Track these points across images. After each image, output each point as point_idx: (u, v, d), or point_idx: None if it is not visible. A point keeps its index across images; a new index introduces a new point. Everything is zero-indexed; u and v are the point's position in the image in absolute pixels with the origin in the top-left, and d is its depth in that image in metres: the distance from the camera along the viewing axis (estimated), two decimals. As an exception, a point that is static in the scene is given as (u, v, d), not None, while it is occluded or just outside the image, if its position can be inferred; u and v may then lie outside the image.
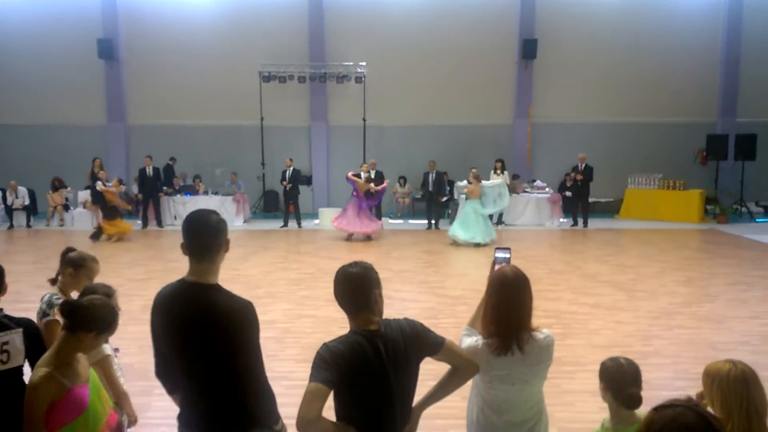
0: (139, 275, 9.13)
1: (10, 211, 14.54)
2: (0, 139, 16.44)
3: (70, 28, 16.18)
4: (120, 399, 2.97)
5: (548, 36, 16.40)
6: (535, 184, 15.79)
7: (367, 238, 12.68)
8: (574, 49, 16.60)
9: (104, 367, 2.91)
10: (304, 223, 14.72)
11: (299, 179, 15.02)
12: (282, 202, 15.60)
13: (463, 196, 12.64)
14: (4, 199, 14.75)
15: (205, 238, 2.28)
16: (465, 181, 12.57)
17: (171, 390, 2.44)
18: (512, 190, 14.92)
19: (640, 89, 16.65)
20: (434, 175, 14.33)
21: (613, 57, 16.57)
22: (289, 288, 8.44)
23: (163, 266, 10.10)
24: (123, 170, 16.59)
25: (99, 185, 12.91)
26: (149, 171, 14.33)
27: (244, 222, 15.20)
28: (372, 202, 12.99)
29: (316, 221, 15.04)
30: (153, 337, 2.37)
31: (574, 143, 16.21)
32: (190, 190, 15.32)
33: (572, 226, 14.50)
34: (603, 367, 2.43)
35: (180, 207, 14.93)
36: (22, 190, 14.54)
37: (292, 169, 14.59)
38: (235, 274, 9.42)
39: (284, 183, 14.53)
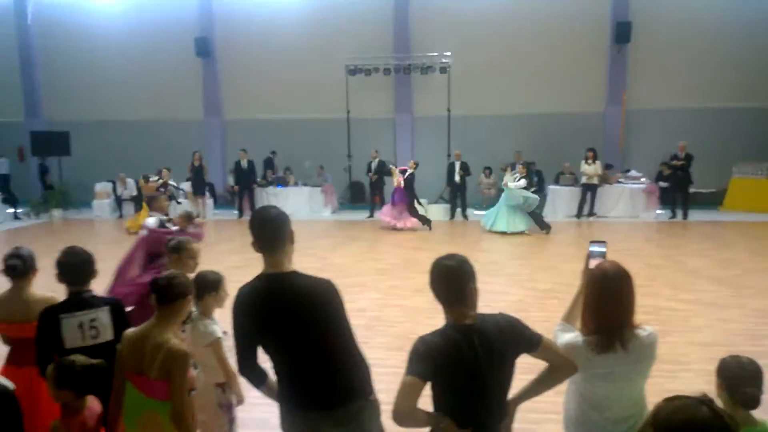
0: (237, 262, 9.61)
1: (119, 201, 15.73)
2: (109, 135, 17.74)
3: (170, 29, 17.16)
4: (229, 379, 3.19)
5: (644, 18, 15.56)
6: (629, 173, 15.11)
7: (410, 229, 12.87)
8: (671, 31, 15.65)
9: (216, 348, 3.14)
10: (390, 214, 14.88)
11: (384, 170, 15.19)
12: (368, 193, 15.86)
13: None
14: (114, 190, 15.96)
15: (271, 231, 2.43)
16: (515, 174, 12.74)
17: (258, 382, 2.54)
18: (605, 180, 14.38)
19: (743, 72, 15.46)
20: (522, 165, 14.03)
21: (714, 39, 15.47)
22: (377, 277, 8.61)
23: (258, 255, 10.57)
24: (219, 163, 17.47)
25: (140, 181, 13.29)
26: (244, 164, 15.01)
27: (332, 213, 15.59)
28: (402, 198, 13.14)
29: (402, 212, 15.16)
30: (239, 334, 2.44)
31: (671, 131, 15.33)
32: (281, 182, 15.89)
33: (671, 218, 13.77)
34: (722, 363, 2.36)
35: (272, 198, 15.53)
36: (130, 182, 15.67)
37: (377, 160, 14.79)
38: (324, 263, 9.72)
39: (370, 174, 14.76)
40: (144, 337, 2.60)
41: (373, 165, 14.74)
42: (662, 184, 14.27)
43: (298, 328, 2.35)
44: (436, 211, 14.81)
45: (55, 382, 2.52)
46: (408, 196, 13.13)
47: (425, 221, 13.07)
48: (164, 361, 2.50)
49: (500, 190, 16.17)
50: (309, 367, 2.38)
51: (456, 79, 15.86)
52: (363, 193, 16.77)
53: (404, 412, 2.07)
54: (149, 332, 2.61)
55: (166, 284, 2.63)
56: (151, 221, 5.53)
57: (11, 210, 15.38)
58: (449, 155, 15.45)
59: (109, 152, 17.50)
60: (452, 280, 2.25)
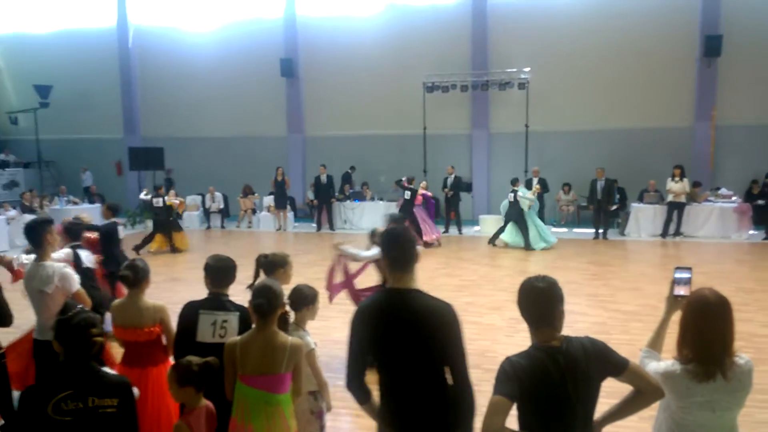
0: (317, 274, 9.95)
1: (207, 213, 16.63)
2: (200, 150, 18.80)
3: (257, 51, 18.03)
4: (322, 388, 3.40)
5: (734, 31, 14.82)
6: (719, 192, 14.39)
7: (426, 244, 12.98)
8: (763, 44, 14.83)
9: (310, 358, 3.36)
10: (465, 230, 14.90)
11: (460, 186, 15.26)
12: (443, 209, 15.95)
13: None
14: (203, 202, 16.90)
15: (406, 251, 2.53)
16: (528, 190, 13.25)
17: (363, 399, 2.61)
18: (693, 198, 13.79)
19: None
20: (603, 182, 13.71)
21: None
22: (452, 294, 8.66)
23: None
24: (300, 178, 18.11)
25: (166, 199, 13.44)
26: (323, 178, 15.52)
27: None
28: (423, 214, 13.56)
29: (477, 228, 15.16)
30: (354, 346, 2.54)
31: (763, 147, 14.53)
32: (359, 197, 16.27)
33: (765, 239, 13.00)
34: None
35: (349, 212, 15.95)
36: (218, 195, 16.55)
37: (453, 176, 14.88)
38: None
39: (445, 190, 14.86)
40: (255, 343, 2.89)
41: (449, 180, 14.83)
42: (759, 202, 13.49)
43: (412, 346, 2.40)
44: (513, 229, 14.67)
45: (177, 381, 2.80)
46: (424, 214, 13.59)
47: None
48: (291, 355, 2.88)
49: (579, 207, 15.92)
50: (415, 390, 2.41)
51: (534, 95, 15.71)
52: (438, 209, 16.87)
53: (489, 430, 2.14)
54: (259, 337, 2.90)
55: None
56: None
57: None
58: (526, 171, 15.30)
59: (199, 167, 18.54)
60: (541, 302, 2.30)
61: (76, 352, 2.32)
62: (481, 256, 11.74)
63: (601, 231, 13.74)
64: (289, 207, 16.25)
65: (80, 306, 2.85)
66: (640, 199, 14.49)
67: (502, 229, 13.18)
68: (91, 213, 15.62)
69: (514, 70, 15.85)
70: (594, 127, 16.10)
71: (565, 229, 15.27)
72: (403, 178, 14.11)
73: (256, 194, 16.68)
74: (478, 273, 10.02)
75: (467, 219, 15.88)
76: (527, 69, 15.63)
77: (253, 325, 2.98)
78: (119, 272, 3.83)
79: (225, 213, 16.80)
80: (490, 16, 16.62)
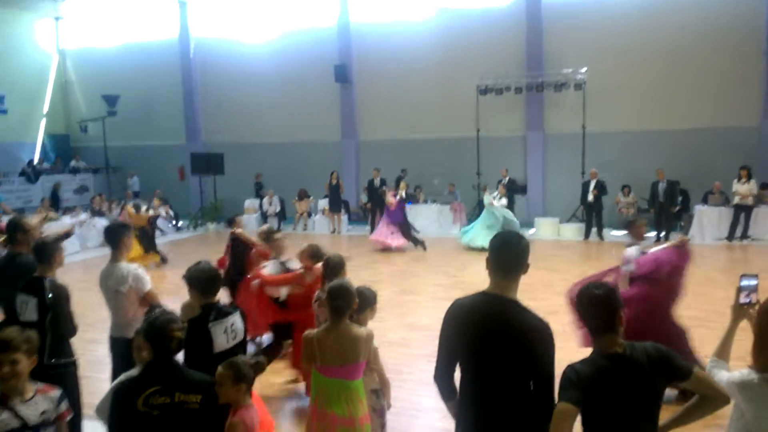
0: (369, 276, 10.09)
1: (264, 216, 17.07)
2: (257, 155, 19.32)
3: (312, 58, 18.37)
4: (384, 386, 3.49)
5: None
6: (790, 193, 13.70)
7: (396, 249, 12.97)
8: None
9: (373, 357, 3.46)
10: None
11: (515, 188, 15.10)
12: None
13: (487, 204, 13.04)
14: (261, 206, 17.37)
15: (509, 257, 2.46)
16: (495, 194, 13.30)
17: (447, 397, 2.61)
18: (761, 200, 13.18)
19: None
20: (665, 184, 13.29)
21: None
22: (508, 297, 8.61)
23: (390, 269, 11.02)
24: (353, 181, 18.35)
25: (130, 210, 12.81)
26: (376, 182, 15.67)
27: (461, 230, 15.71)
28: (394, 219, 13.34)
29: (532, 230, 14.96)
30: (444, 343, 2.55)
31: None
32: (411, 200, 16.34)
33: (841, 243, 12.30)
34: None
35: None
36: (275, 199, 16.98)
37: (507, 178, 14.75)
38: (454, 281, 9.90)
39: (501, 191, 14.72)
40: (333, 337, 3.06)
41: (503, 183, 14.70)
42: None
43: (503, 356, 2.36)
44: (570, 231, 14.43)
45: (232, 380, 2.93)
46: (401, 217, 13.37)
47: (417, 242, 13.17)
48: (367, 343, 3.08)
49: (639, 209, 15.47)
50: (498, 398, 2.39)
51: (591, 95, 15.38)
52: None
53: None
54: (335, 332, 3.07)
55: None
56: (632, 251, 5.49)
57: (173, 223, 17.27)
58: (583, 173, 15.00)
59: (257, 171, 19.06)
60: (601, 309, 2.29)
61: (161, 349, 2.48)
62: (536, 259, 11.43)
63: (662, 234, 13.33)
64: (343, 210, 16.48)
65: (161, 306, 3.06)
66: (704, 202, 13.96)
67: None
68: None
69: (570, 70, 15.57)
70: (654, 126, 15.62)
71: (624, 232, 14.86)
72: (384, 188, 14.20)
73: (311, 197, 17.00)
74: (535, 277, 9.85)
75: (521, 221, 15.65)
76: (584, 69, 15.33)
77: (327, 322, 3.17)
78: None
79: (282, 216, 17.20)
80: (545, 16, 16.40)
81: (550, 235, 14.66)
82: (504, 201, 13.07)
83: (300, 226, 16.84)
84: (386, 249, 13.04)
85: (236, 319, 3.32)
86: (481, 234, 12.72)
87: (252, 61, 19.13)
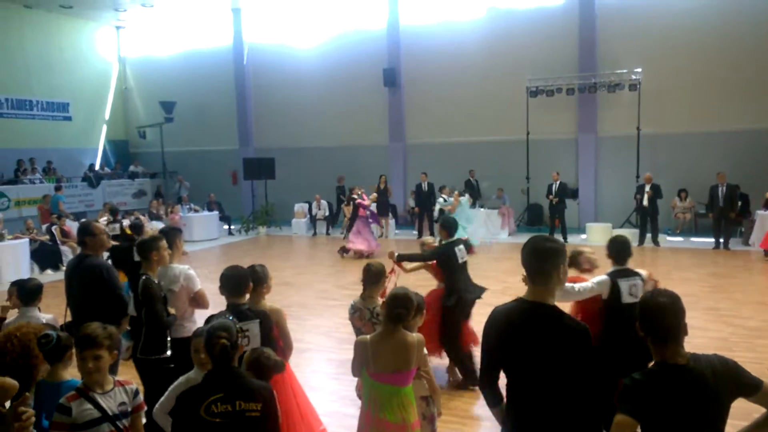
0: (421, 282, 10.09)
1: (314, 220, 17.32)
2: (306, 160, 19.64)
3: (361, 63, 18.57)
4: (434, 393, 3.51)
5: None
6: None
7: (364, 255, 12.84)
8: None
9: (424, 363, 3.48)
10: (570, 238, 14.45)
11: (566, 193, 14.83)
12: (547, 216, 15.58)
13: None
14: (310, 210, 17.63)
15: (534, 263, 2.45)
16: (450, 198, 13.44)
17: (493, 403, 2.61)
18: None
19: None
20: (725, 188, 12.79)
21: None
22: (559, 305, 8.46)
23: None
24: (401, 185, 18.41)
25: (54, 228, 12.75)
26: (424, 186, 15.67)
27: (509, 235, 15.56)
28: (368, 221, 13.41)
29: (583, 236, 14.65)
30: (486, 350, 2.57)
31: None
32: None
33: None
34: None
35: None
36: (324, 203, 17.20)
37: (558, 182, 14.51)
38: (504, 287, 9.78)
39: (550, 197, 14.51)
40: (387, 343, 3.12)
41: (554, 187, 14.48)
42: None
43: (545, 363, 2.36)
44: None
45: (248, 363, 3.05)
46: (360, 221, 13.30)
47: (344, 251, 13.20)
48: (419, 350, 3.12)
49: (697, 214, 14.96)
50: (542, 404, 2.38)
51: (646, 96, 14.94)
52: (542, 216, 16.49)
53: None
54: (390, 339, 3.12)
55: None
56: None
57: (226, 227, 17.73)
58: (638, 177, 14.58)
59: (306, 176, 19.37)
60: (665, 318, 2.23)
61: (212, 356, 2.58)
62: (588, 266, 11.31)
63: (721, 240, 12.82)
64: (390, 214, 16.55)
65: (220, 315, 3.17)
66: (766, 206, 13.33)
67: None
68: (209, 220, 16.84)
69: (625, 70, 15.18)
70: (712, 128, 15.04)
71: (680, 238, 14.39)
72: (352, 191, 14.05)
73: (456, 193, 17.07)
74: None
75: (573, 227, 15.39)
76: (638, 69, 14.92)
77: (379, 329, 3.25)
78: None
79: (330, 220, 17.42)
80: (599, 15, 16.04)
81: (602, 241, 14.13)
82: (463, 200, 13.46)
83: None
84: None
85: (252, 326, 3.41)
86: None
87: (302, 66, 19.46)
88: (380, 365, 3.11)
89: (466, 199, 13.90)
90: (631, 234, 13.92)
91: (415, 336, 3.15)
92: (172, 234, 4.66)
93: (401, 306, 3.12)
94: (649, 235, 13.70)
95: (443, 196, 13.82)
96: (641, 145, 14.91)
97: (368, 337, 3.20)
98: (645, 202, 13.48)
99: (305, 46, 19.69)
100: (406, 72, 18.33)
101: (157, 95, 20.45)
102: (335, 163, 19.09)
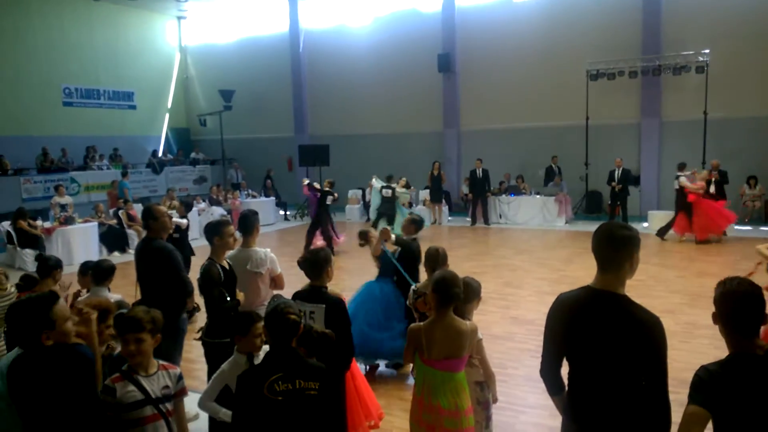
0: (473, 268, 10.04)
1: (367, 206, 17.41)
2: (360, 146, 19.75)
3: (415, 49, 18.47)
4: (489, 379, 3.50)
5: None
6: None
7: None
8: None
9: (478, 350, 3.47)
10: (632, 226, 13.99)
11: (629, 179, 14.38)
12: (606, 203, 15.14)
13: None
14: (363, 196, 17.74)
15: (606, 250, 2.35)
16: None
17: (552, 391, 2.58)
18: None
19: None
20: (799, 175, 12.08)
21: None
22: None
23: (494, 262, 10.90)
24: (455, 172, 18.27)
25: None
26: (479, 173, 15.49)
27: (566, 223, 15.22)
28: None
29: (645, 224, 14.17)
30: (549, 339, 2.53)
31: None
32: (514, 191, 16.01)
33: None
34: None
35: (504, 206, 15.78)
36: (377, 190, 17.24)
37: (621, 169, 14.07)
38: (559, 275, 9.63)
39: (613, 183, 14.10)
40: (439, 330, 3.13)
41: (617, 173, 14.05)
42: None
43: (613, 353, 2.29)
44: (383, 223, 13.53)
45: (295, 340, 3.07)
46: (318, 214, 12.41)
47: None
48: (472, 338, 3.14)
49: (767, 202, 14.21)
50: (607, 395, 2.32)
51: (714, 78, 14.23)
52: (601, 203, 16.04)
53: None
54: (441, 324, 3.12)
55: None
56: None
57: (282, 212, 18.09)
58: (704, 163, 13.96)
59: (360, 162, 19.48)
60: (744, 308, 2.14)
61: (278, 335, 2.65)
62: (649, 255, 10.95)
63: (795, 230, 12.15)
64: (444, 201, 16.46)
65: (281, 297, 3.25)
66: None
67: (671, 223, 12.29)
68: (266, 206, 17.18)
69: (691, 52, 14.50)
70: (788, 112, 14.20)
71: (749, 227, 13.71)
72: (308, 181, 13.17)
73: (412, 188, 17.11)
74: (647, 272, 9.41)
75: (634, 215, 14.91)
76: (706, 50, 14.21)
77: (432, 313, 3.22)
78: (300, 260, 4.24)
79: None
80: (665, -7, 15.35)
81: (666, 229, 13.80)
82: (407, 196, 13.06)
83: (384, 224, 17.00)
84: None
85: (317, 310, 3.44)
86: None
87: (356, 52, 19.52)
88: (433, 352, 3.12)
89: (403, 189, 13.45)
90: (696, 223, 13.44)
91: (468, 323, 3.15)
92: (252, 218, 4.76)
93: (446, 289, 3.10)
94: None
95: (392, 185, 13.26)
96: (708, 131, 14.25)
97: (422, 324, 3.20)
98: (711, 189, 12.89)
99: (359, 25, 19.69)
100: (461, 57, 18.10)
101: (217, 84, 20.97)
102: (389, 150, 19.13)
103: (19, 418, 2.50)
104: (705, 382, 2.10)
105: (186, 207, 9.89)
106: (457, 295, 3.11)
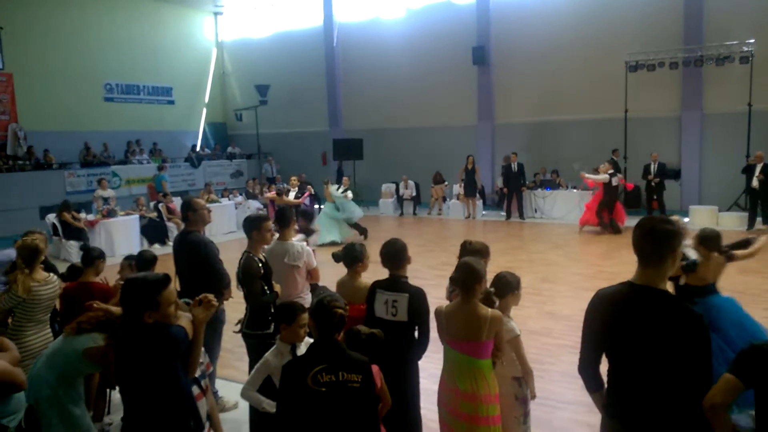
0: (507, 262, 9.96)
1: (400, 200, 17.45)
2: (394, 140, 19.76)
3: (450, 42, 18.34)
4: (526, 375, 3.49)
5: None
6: None
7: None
8: None
9: (515, 344, 3.47)
10: (671, 221, 13.69)
11: (665, 173, 14.05)
12: (644, 198, 14.82)
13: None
14: (397, 190, 17.77)
15: (648, 245, 2.32)
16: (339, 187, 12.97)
17: (591, 388, 2.53)
18: None
19: None
20: None
21: None
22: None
23: (528, 257, 10.80)
24: (488, 166, 18.13)
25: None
26: (514, 167, 15.33)
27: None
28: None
29: (686, 219, 13.81)
30: (588, 334, 2.48)
31: None
32: (550, 185, 15.80)
33: None
34: None
35: (540, 200, 15.58)
36: (411, 184, 17.28)
37: (657, 162, 13.76)
38: (596, 270, 9.49)
39: (650, 177, 13.79)
40: (460, 313, 3.22)
41: (653, 168, 13.73)
42: None
43: (653, 350, 2.25)
44: (730, 221, 13.16)
45: (345, 345, 3.11)
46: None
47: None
48: (491, 325, 3.16)
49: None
50: (649, 392, 2.30)
51: (759, 69, 13.76)
52: (639, 198, 15.70)
53: (712, 405, 2.10)
54: (463, 308, 3.21)
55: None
56: None
57: (316, 206, 18.20)
58: (748, 155, 13.53)
59: (393, 156, 19.51)
60: None
61: (325, 327, 2.69)
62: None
63: None
64: (478, 195, 16.36)
65: (326, 289, 3.30)
66: None
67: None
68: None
69: (735, 42, 14.04)
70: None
71: (797, 222, 13.24)
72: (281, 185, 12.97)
73: (446, 182, 17.07)
74: (687, 269, 9.19)
75: (674, 209, 14.54)
76: (751, 40, 13.75)
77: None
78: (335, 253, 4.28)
79: (417, 200, 17.48)
80: (708, -18, 14.90)
81: (708, 224, 13.29)
82: (349, 194, 12.84)
83: (435, 211, 17.00)
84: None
85: (401, 299, 3.50)
86: (326, 227, 12.47)
87: (390, 46, 19.51)
88: (452, 332, 3.24)
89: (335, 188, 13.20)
90: (739, 218, 13.10)
91: (489, 310, 3.18)
92: (289, 212, 4.87)
93: (457, 271, 3.21)
94: (759, 219, 12.73)
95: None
96: (752, 123, 13.80)
97: (445, 305, 3.32)
98: (755, 184, 12.50)
99: (393, 18, 19.65)
100: (496, 49, 17.91)
101: (252, 78, 21.23)
102: (422, 144, 19.09)
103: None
104: (750, 357, 2.13)
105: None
106: (463, 284, 3.19)
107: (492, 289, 3.55)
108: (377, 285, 3.66)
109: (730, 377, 2.10)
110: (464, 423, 3.19)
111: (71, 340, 3.30)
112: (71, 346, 3.28)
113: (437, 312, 3.31)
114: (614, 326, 2.36)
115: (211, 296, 2.95)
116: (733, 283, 8.55)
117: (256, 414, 3.76)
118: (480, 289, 3.24)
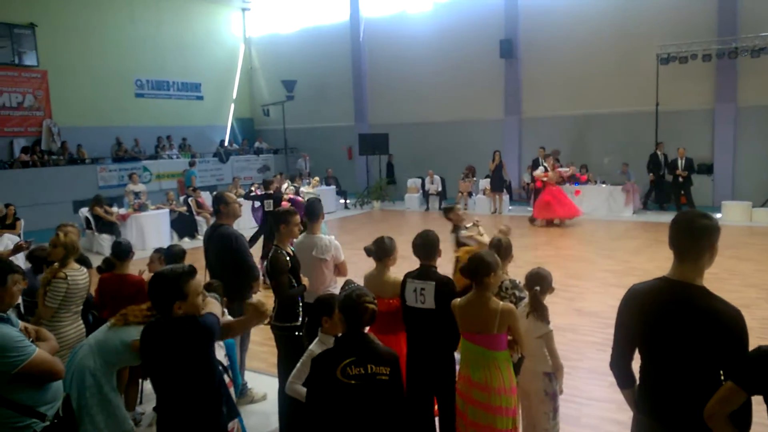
0: (537, 259, 9.87)
1: (426, 195, 17.42)
2: (419, 135, 19.71)
3: (477, 34, 18.20)
4: (557, 371, 3.48)
5: None
6: None
7: None
8: None
9: (547, 340, 3.46)
10: (703, 217, 13.40)
11: (692, 168, 13.78)
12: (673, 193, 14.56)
13: None
14: (423, 185, 17.74)
15: (685, 240, 2.28)
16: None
17: (622, 384, 2.52)
18: None
19: None
20: None
21: None
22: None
23: (556, 252, 10.70)
24: (515, 160, 17.97)
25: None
26: (541, 161, 15.13)
27: (633, 213, 14.72)
28: None
29: (719, 215, 13.51)
30: (621, 330, 2.47)
31: None
32: (576, 180, 15.59)
33: None
34: None
35: (568, 195, 15.37)
36: (437, 178, 17.23)
37: (685, 157, 13.52)
38: (626, 267, 9.35)
39: (678, 171, 13.53)
40: (471, 305, 3.26)
41: (680, 163, 13.46)
42: None
43: (688, 346, 2.21)
44: (765, 216, 12.87)
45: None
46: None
47: None
48: (502, 318, 3.18)
49: None
50: (682, 390, 2.26)
51: (798, 61, 13.40)
52: (671, 193, 15.40)
53: (710, 416, 2.06)
54: (476, 301, 3.25)
55: None
56: None
57: (342, 201, 18.33)
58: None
59: (419, 151, 19.47)
60: None
61: (355, 321, 2.72)
62: (724, 247, 10.33)
63: None
64: (504, 190, 16.23)
65: (353, 282, 3.32)
66: None
67: None
68: (327, 194, 17.43)
69: (772, 33, 13.68)
70: None
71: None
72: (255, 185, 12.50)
73: (474, 177, 16.98)
74: (721, 265, 8.92)
75: (706, 205, 14.27)
76: (789, 31, 13.37)
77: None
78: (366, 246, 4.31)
79: (443, 195, 17.43)
80: (742, -29, 14.50)
81: (741, 220, 13.16)
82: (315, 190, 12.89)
83: (461, 206, 16.89)
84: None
85: (428, 287, 3.55)
86: None
87: (416, 40, 19.45)
88: (464, 324, 3.29)
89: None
90: (774, 214, 12.79)
91: (500, 303, 3.20)
92: (318, 206, 4.89)
93: (470, 267, 3.24)
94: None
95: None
96: (791, 116, 13.45)
97: (459, 299, 3.36)
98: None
99: (419, 11, 19.57)
100: (524, 42, 17.72)
101: (279, 74, 21.38)
102: (448, 139, 19.02)
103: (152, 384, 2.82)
104: (758, 364, 2.03)
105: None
106: (485, 270, 3.21)
107: (537, 288, 3.60)
108: (408, 275, 3.73)
109: (730, 385, 2.03)
110: (479, 410, 3.23)
111: (119, 331, 3.39)
112: (119, 336, 3.37)
113: (452, 305, 3.36)
114: (649, 322, 2.33)
115: (264, 304, 3.04)
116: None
117: (285, 405, 3.81)
118: (491, 282, 3.26)
